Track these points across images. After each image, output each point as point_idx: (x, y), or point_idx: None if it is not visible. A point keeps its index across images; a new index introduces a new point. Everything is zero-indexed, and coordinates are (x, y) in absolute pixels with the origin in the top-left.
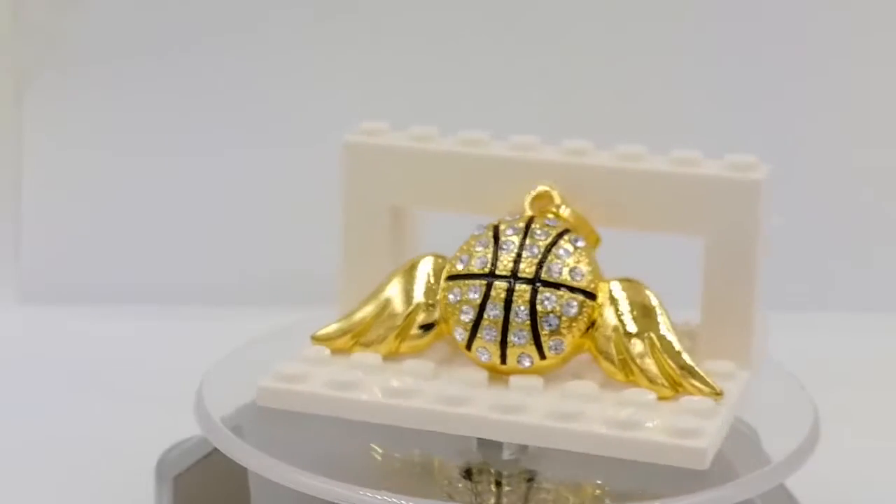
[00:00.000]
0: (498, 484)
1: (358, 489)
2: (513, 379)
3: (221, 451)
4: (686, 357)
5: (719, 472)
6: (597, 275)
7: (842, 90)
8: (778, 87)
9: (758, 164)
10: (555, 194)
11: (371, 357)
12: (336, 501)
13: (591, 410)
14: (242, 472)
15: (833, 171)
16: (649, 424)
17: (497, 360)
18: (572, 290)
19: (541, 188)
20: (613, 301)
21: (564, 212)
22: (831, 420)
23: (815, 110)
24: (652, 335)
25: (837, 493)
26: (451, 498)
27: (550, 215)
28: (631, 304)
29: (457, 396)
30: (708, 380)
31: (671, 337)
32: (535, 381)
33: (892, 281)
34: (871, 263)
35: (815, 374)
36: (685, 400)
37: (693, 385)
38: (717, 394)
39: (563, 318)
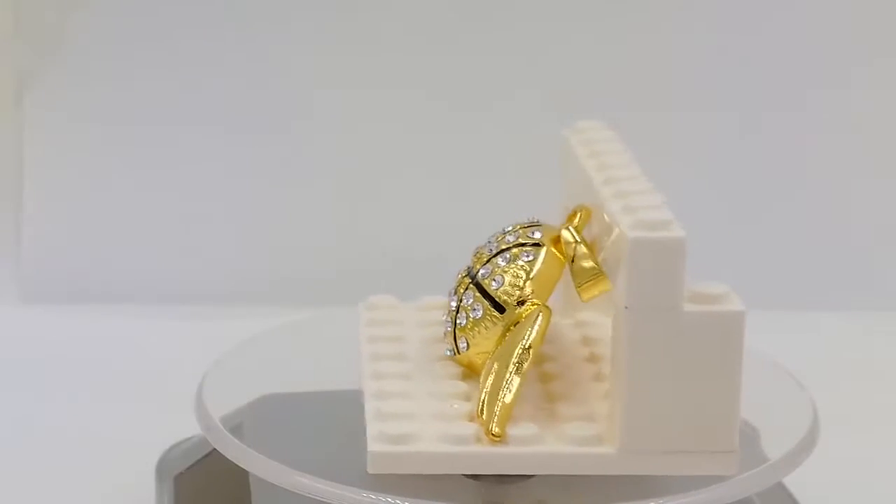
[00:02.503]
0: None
1: (357, 490)
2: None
3: (221, 452)
4: (492, 400)
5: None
6: (536, 292)
7: (841, 90)
8: (778, 86)
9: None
10: (581, 213)
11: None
12: (335, 502)
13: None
14: (243, 471)
15: (833, 170)
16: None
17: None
18: (486, 295)
19: (577, 206)
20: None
21: (566, 233)
22: (831, 419)
23: (815, 110)
24: (496, 365)
25: (836, 492)
26: (452, 497)
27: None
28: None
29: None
30: (491, 424)
31: (504, 380)
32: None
33: (892, 281)
34: (871, 263)
35: (815, 374)
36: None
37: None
38: (495, 436)
39: (470, 319)
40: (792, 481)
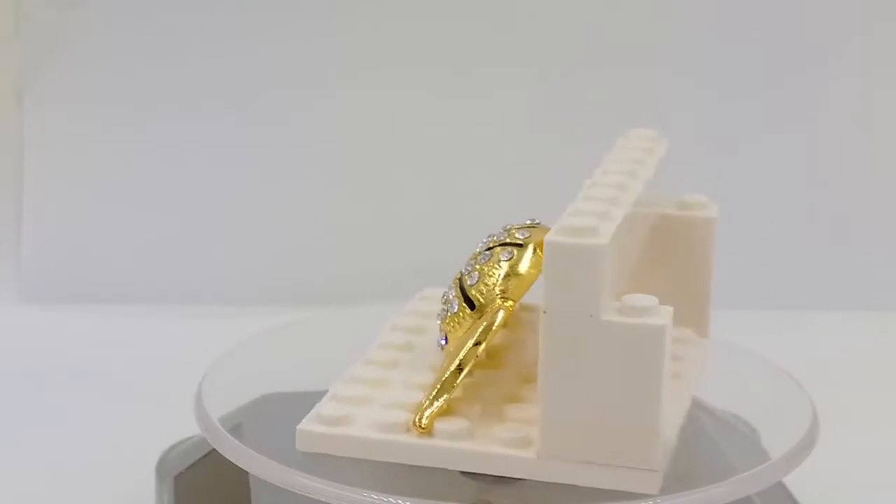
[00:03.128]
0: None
1: (357, 490)
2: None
3: (220, 452)
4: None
5: (718, 469)
6: (510, 291)
7: (841, 89)
8: (777, 86)
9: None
10: None
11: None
12: (334, 502)
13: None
14: (243, 471)
15: (833, 170)
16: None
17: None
18: (462, 291)
19: None
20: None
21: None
22: (830, 419)
23: (815, 109)
24: (447, 360)
25: (836, 491)
26: (451, 498)
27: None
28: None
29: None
30: (420, 416)
31: (444, 374)
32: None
33: (891, 281)
34: (871, 263)
35: (815, 373)
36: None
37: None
38: (421, 427)
39: (448, 314)
40: (792, 481)
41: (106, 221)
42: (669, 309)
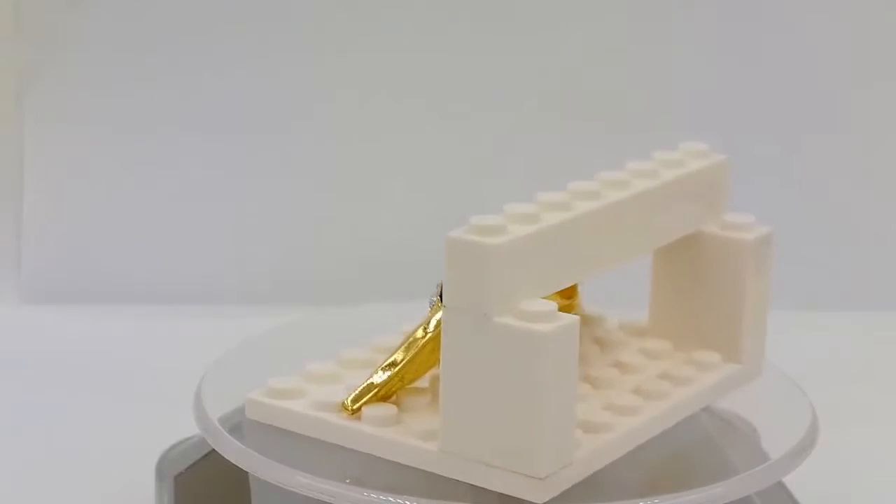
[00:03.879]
0: None
1: (357, 490)
2: None
3: (219, 452)
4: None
5: (719, 469)
6: None
7: (842, 90)
8: (778, 86)
9: (709, 149)
10: None
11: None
12: (334, 501)
13: None
14: (242, 471)
15: (833, 170)
16: None
17: None
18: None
19: None
20: None
21: None
22: (830, 419)
23: (816, 110)
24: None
25: (836, 491)
26: (451, 496)
27: None
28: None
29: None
30: (351, 398)
31: (385, 362)
32: None
33: (892, 281)
34: (871, 263)
35: (815, 373)
36: None
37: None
38: (347, 409)
39: (431, 305)
40: (792, 481)
41: (106, 221)
42: (572, 318)
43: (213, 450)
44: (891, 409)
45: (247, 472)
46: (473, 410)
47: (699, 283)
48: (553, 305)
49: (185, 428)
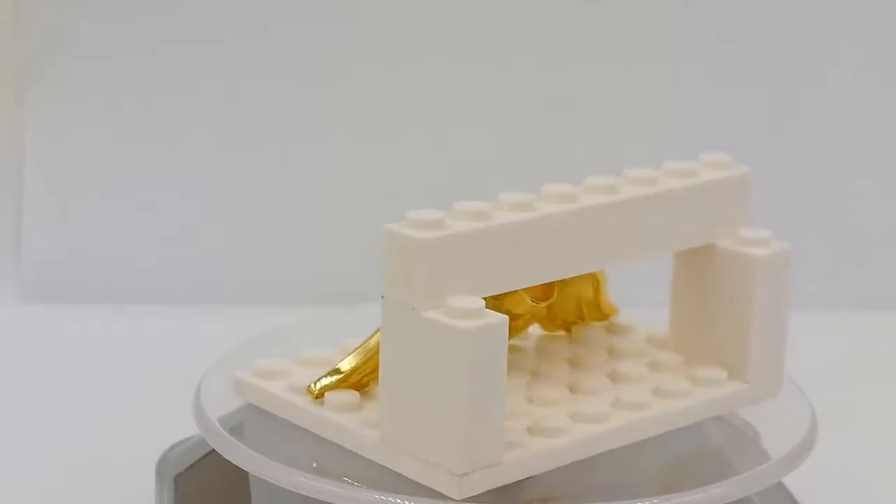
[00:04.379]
0: None
1: (357, 489)
2: None
3: (219, 451)
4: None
5: (719, 469)
6: None
7: (842, 90)
8: (778, 86)
9: (731, 161)
10: None
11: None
12: (334, 501)
13: None
14: (243, 471)
15: (833, 171)
16: None
17: None
18: None
19: None
20: None
21: None
22: (830, 419)
23: (816, 111)
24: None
25: (836, 491)
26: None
27: None
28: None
29: None
30: (317, 384)
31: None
32: None
33: (892, 281)
34: (871, 263)
35: (815, 373)
36: None
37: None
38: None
39: None
40: (792, 481)
41: (106, 221)
42: (499, 317)
43: (213, 450)
44: (891, 409)
45: (247, 472)
46: (405, 403)
47: (712, 298)
48: (480, 303)
49: (185, 428)
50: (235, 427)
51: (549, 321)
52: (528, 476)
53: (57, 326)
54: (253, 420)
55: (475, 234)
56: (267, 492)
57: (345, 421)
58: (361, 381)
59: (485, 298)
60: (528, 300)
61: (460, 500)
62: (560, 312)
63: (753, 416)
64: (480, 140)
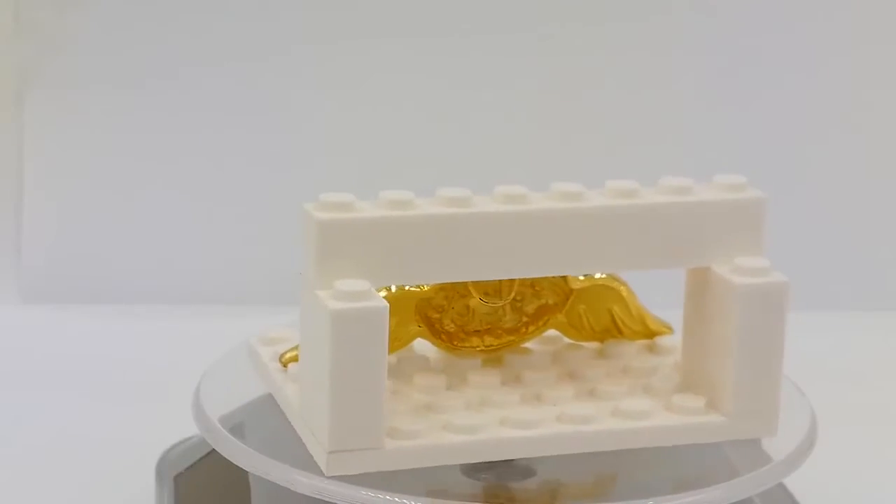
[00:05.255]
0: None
1: (356, 489)
2: None
3: (218, 450)
4: None
5: (720, 470)
6: None
7: (841, 91)
8: (777, 87)
9: (747, 184)
10: None
11: None
12: (334, 501)
13: None
14: (243, 471)
15: (833, 170)
16: None
17: None
18: None
19: None
20: None
21: None
22: (830, 419)
23: (815, 112)
24: None
25: (836, 492)
26: (451, 496)
27: None
28: None
29: None
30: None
31: None
32: None
33: (892, 281)
34: (871, 263)
35: (815, 374)
36: None
37: None
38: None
39: None
40: (792, 481)
41: (106, 222)
42: (379, 303)
43: (213, 450)
44: (891, 409)
45: (247, 472)
46: (305, 377)
47: (707, 324)
48: (365, 286)
49: (185, 428)
50: (235, 427)
51: (572, 329)
52: (415, 466)
53: (57, 326)
54: (253, 419)
55: (383, 222)
56: (267, 491)
57: (287, 390)
58: None
59: (442, 292)
60: (477, 297)
61: (330, 476)
62: (584, 321)
63: None
64: (484, 135)
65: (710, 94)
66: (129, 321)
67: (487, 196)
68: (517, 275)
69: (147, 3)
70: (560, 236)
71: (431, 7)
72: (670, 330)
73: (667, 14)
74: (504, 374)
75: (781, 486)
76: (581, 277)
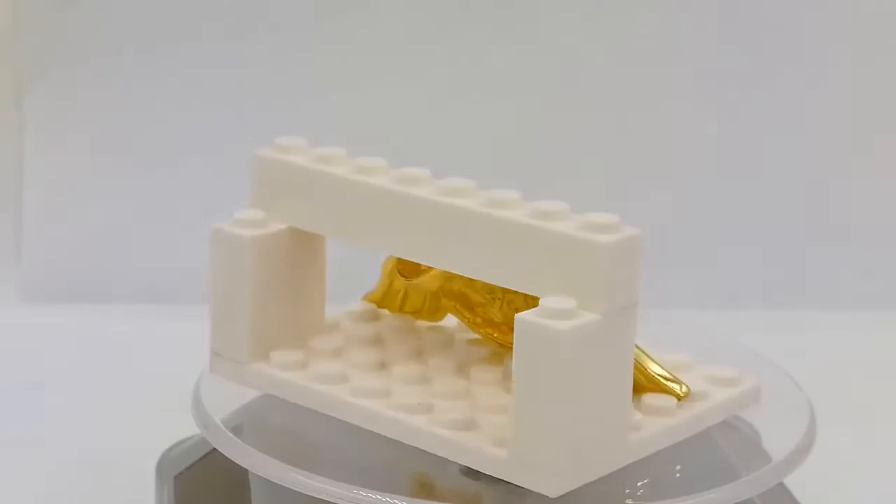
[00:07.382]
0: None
1: (357, 489)
2: None
3: (220, 451)
4: None
5: (720, 471)
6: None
7: (841, 91)
8: (777, 87)
9: (618, 226)
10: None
11: None
12: (334, 501)
13: None
14: (243, 471)
15: (833, 170)
16: None
17: None
18: None
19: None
20: None
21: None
22: (830, 419)
23: (815, 112)
24: None
25: (836, 492)
26: (451, 497)
27: None
28: None
29: None
30: None
31: None
32: None
33: (892, 281)
34: (871, 263)
35: (815, 374)
36: None
37: None
38: None
39: None
40: (792, 481)
41: (106, 221)
42: (250, 232)
43: (213, 450)
44: (891, 409)
45: (247, 472)
46: None
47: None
48: (257, 216)
49: (185, 428)
50: (236, 426)
51: (473, 323)
52: (265, 392)
53: (57, 326)
54: (253, 419)
55: (303, 170)
56: (267, 491)
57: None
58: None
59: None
60: (397, 273)
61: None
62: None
63: (754, 416)
64: (488, 135)
65: (711, 93)
66: (129, 320)
67: (397, 173)
68: (394, 254)
69: (147, 3)
70: (432, 227)
71: (431, 6)
72: (680, 396)
73: (667, 14)
74: (461, 364)
75: (781, 486)
76: None
